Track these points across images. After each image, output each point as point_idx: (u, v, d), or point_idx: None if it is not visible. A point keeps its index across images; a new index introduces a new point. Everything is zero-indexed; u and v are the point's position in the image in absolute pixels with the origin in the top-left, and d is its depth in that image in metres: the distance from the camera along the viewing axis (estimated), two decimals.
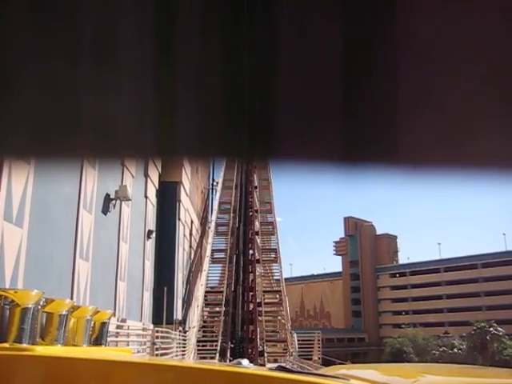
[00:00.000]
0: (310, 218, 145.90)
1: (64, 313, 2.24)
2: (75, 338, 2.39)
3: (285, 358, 17.87)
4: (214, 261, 23.33)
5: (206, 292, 20.97)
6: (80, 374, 1.78)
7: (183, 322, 18.14)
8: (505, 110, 0.55)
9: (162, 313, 13.82)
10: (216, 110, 0.55)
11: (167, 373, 1.78)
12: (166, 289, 14.42)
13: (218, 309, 20.81)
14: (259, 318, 20.37)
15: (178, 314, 17.56)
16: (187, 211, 20.42)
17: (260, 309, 20.65)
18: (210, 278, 22.41)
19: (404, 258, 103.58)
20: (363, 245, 72.20)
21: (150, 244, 14.99)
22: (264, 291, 21.82)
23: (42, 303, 2.11)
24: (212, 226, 24.12)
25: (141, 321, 13.37)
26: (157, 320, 14.29)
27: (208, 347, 18.47)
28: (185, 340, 15.35)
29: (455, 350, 44.34)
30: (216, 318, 20.44)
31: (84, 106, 0.54)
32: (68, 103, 0.54)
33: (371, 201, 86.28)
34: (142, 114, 0.55)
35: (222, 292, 21.48)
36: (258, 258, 23.38)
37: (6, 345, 1.90)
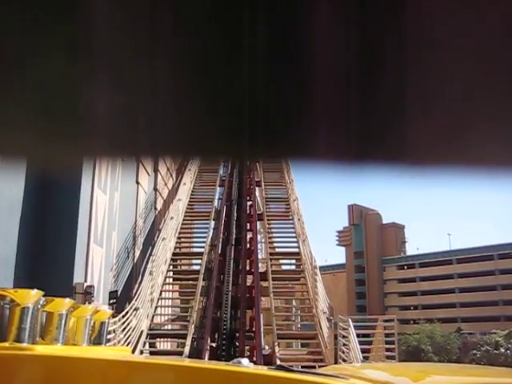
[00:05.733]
0: (312, 208, 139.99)
1: (64, 312, 2.34)
2: (75, 337, 2.50)
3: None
4: (193, 214, 15.72)
5: (173, 254, 12.92)
6: (80, 373, 1.90)
7: (115, 296, 10.40)
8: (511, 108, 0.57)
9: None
10: (216, 109, 0.56)
11: (166, 372, 1.88)
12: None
13: (195, 282, 12.24)
14: (263, 298, 12.10)
15: (95, 279, 9.64)
16: None
17: (265, 284, 12.18)
18: (183, 236, 14.45)
19: (413, 248, 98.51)
20: (369, 234, 68.21)
21: None
22: (271, 253, 13.39)
23: (41, 302, 2.20)
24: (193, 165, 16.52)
25: None
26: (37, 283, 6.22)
27: (179, 348, 10.85)
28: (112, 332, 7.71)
29: (502, 350, 37.32)
30: (190, 298, 11.94)
31: (71, 103, 0.54)
32: (51, 98, 0.54)
33: (377, 194, 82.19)
34: (138, 113, 0.55)
35: (201, 255, 12.95)
36: (259, 212, 15.37)
37: (6, 344, 2.00)
